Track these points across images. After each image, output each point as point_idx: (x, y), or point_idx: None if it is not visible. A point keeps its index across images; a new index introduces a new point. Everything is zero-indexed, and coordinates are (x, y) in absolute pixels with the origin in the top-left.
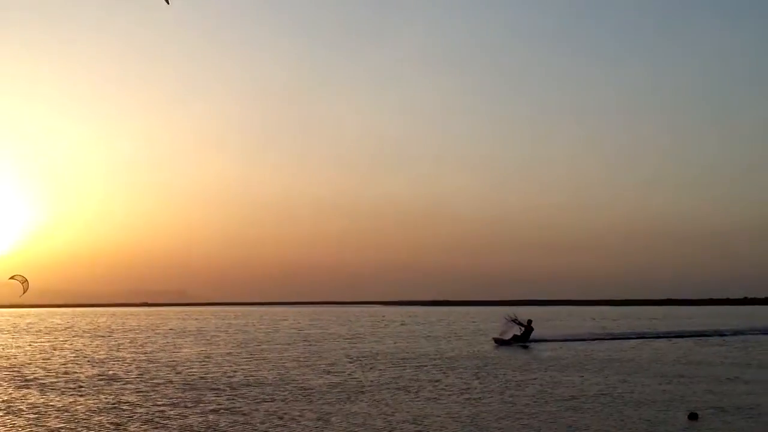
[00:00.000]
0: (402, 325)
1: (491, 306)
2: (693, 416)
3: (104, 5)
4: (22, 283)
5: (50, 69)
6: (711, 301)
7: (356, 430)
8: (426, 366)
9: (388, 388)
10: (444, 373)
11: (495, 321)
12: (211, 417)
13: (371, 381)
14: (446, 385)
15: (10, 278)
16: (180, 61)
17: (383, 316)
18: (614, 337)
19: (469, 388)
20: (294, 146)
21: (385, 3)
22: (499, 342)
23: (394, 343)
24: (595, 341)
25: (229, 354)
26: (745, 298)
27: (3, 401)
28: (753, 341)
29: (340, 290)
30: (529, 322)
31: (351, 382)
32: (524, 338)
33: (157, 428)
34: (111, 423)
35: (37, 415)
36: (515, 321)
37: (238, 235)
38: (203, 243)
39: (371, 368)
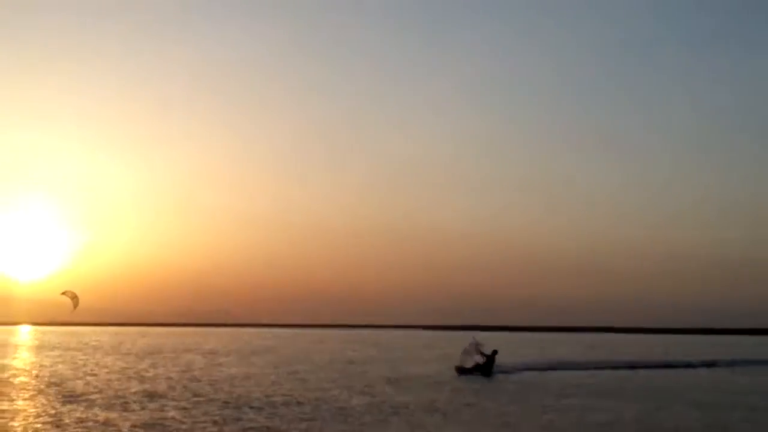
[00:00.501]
0: (438, 349)
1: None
2: None
3: (134, 39)
4: (72, 299)
5: (92, 107)
6: (715, 331)
7: None
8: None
9: (423, 410)
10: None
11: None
12: None
13: (406, 402)
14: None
15: (62, 294)
16: (223, 88)
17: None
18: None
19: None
20: (332, 172)
21: (424, 37)
22: (460, 371)
23: (425, 365)
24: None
25: (268, 374)
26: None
27: (50, 415)
28: (719, 372)
29: (378, 313)
30: (494, 352)
31: (386, 403)
32: (487, 368)
33: None
34: None
35: (83, 429)
36: (478, 350)
37: (281, 257)
38: (246, 265)
39: (406, 390)
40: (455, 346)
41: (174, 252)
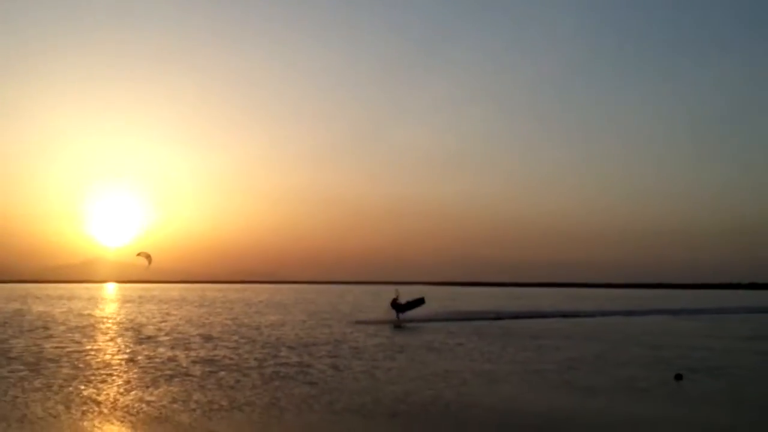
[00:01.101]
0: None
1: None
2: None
3: (194, 50)
4: (147, 258)
5: (165, 108)
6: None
7: (395, 379)
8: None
9: (423, 349)
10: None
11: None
12: (283, 368)
13: (410, 342)
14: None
15: (138, 255)
16: (271, 91)
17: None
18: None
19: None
20: (356, 157)
21: (435, 41)
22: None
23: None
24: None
25: (302, 321)
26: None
27: (126, 353)
28: (587, 322)
29: (400, 271)
30: (420, 300)
31: (394, 343)
32: (407, 307)
33: (242, 374)
34: (207, 370)
35: (151, 364)
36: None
37: (320, 227)
38: (288, 232)
39: (411, 332)
40: (461, 298)
41: (228, 223)
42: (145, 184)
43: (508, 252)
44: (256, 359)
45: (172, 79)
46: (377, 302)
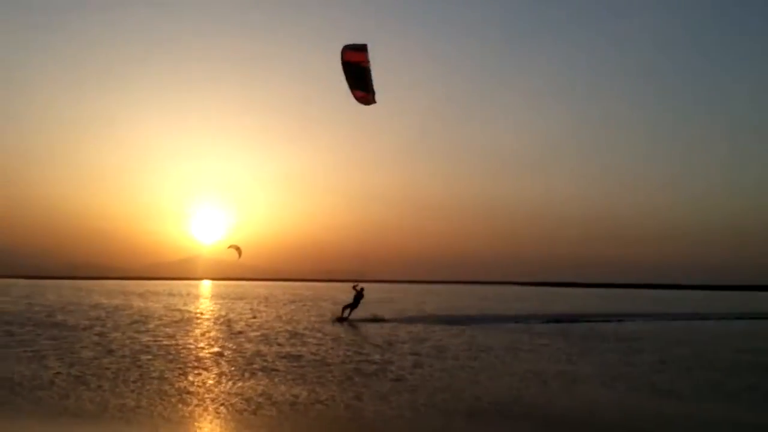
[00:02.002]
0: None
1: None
2: None
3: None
4: (237, 250)
5: (249, 113)
6: None
7: (476, 378)
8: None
9: (507, 349)
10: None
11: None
12: (366, 365)
13: (493, 342)
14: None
15: (228, 247)
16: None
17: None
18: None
19: None
20: (447, 157)
21: (522, 36)
22: (341, 317)
23: (516, 312)
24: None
25: (385, 319)
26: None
27: (217, 346)
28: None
29: (483, 271)
30: (361, 289)
31: (480, 343)
32: (353, 305)
33: (326, 370)
34: (291, 365)
35: (240, 356)
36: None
37: (402, 226)
38: (374, 232)
39: (496, 332)
40: (544, 298)
41: (315, 222)
42: (237, 184)
43: (600, 251)
44: (339, 355)
45: (256, 85)
46: (459, 302)
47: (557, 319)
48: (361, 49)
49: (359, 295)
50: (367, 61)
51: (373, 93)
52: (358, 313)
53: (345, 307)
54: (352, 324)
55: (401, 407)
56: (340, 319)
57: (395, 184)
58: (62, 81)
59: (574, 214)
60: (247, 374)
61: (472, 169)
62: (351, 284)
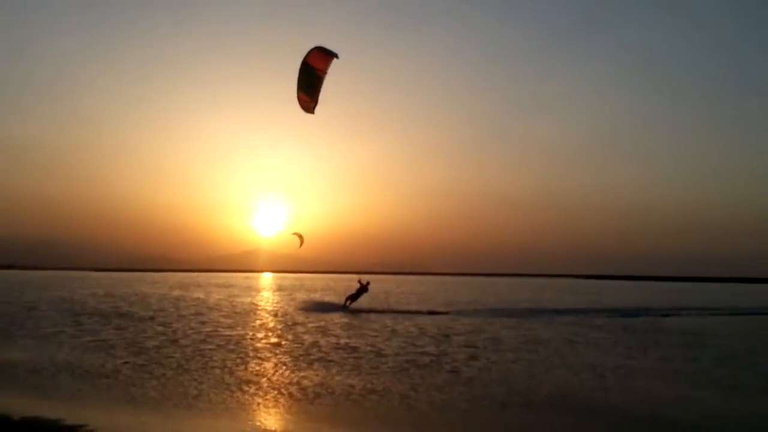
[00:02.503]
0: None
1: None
2: None
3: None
4: (299, 237)
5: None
6: None
7: (532, 371)
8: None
9: (565, 342)
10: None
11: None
12: (421, 356)
13: (552, 335)
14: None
15: (292, 234)
16: (417, 93)
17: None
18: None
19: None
20: (506, 150)
21: (584, 25)
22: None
23: (574, 305)
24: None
25: (441, 311)
26: None
27: (274, 336)
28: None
29: (541, 264)
30: (367, 283)
31: (534, 335)
32: (354, 297)
33: (381, 361)
34: (347, 356)
35: (297, 346)
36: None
37: (461, 220)
38: (432, 226)
39: (554, 325)
40: (605, 292)
41: (373, 215)
42: (297, 178)
43: (668, 244)
44: (395, 347)
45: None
46: (515, 294)
47: (616, 312)
48: (328, 56)
49: (363, 288)
50: (325, 72)
51: (315, 103)
52: (413, 305)
53: (348, 297)
54: (403, 316)
55: (456, 399)
56: (342, 307)
57: (453, 178)
58: (133, 81)
59: (636, 205)
60: (303, 364)
61: (535, 162)
62: (358, 277)
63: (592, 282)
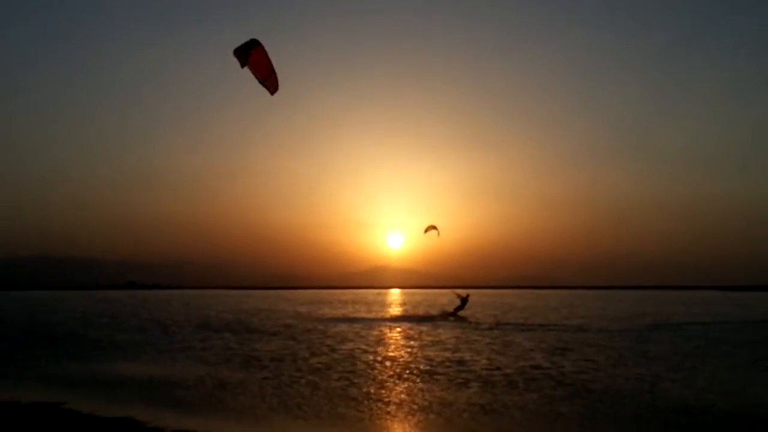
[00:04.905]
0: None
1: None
2: None
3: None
4: (435, 229)
5: (426, 120)
6: None
7: (640, 384)
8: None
9: (678, 355)
10: None
11: None
12: (537, 371)
13: (660, 349)
14: None
15: (427, 229)
16: (540, 103)
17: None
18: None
19: None
20: (635, 158)
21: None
22: (450, 314)
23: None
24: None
25: (559, 326)
26: None
27: (404, 355)
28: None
29: (673, 275)
30: (467, 295)
31: (643, 348)
32: (458, 309)
33: (505, 380)
34: (456, 369)
35: (413, 362)
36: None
37: (591, 230)
38: (561, 237)
39: (666, 342)
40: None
41: (497, 228)
42: (418, 191)
43: None
44: (509, 363)
45: (439, 95)
46: (636, 308)
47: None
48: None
49: (465, 300)
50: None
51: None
52: (535, 319)
53: (455, 309)
54: (520, 330)
55: (571, 414)
56: (450, 314)
57: (583, 187)
58: (256, 100)
59: None
60: (453, 384)
61: (667, 170)
62: (456, 291)
63: (731, 294)
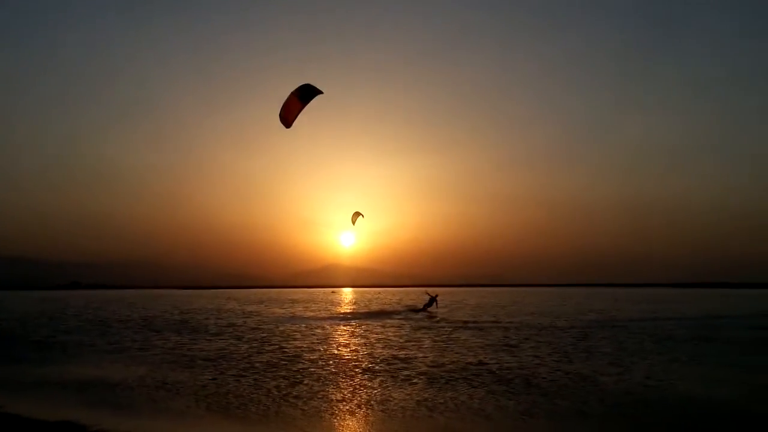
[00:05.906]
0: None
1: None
2: None
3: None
4: (361, 215)
5: (389, 122)
6: None
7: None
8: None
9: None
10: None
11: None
12: (507, 372)
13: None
14: None
15: (353, 216)
16: (501, 105)
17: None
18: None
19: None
20: (589, 157)
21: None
22: (419, 310)
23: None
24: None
25: (510, 323)
26: None
27: (361, 353)
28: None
29: (629, 272)
30: (436, 295)
31: (595, 341)
32: (428, 305)
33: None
34: (432, 371)
35: (379, 362)
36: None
37: (541, 229)
38: (512, 236)
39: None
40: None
41: (450, 227)
42: (372, 191)
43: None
44: (485, 361)
45: (395, 95)
46: (586, 305)
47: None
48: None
49: (432, 300)
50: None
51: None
52: (483, 317)
53: (425, 305)
54: (467, 328)
55: (540, 415)
56: (416, 311)
57: (537, 186)
58: (204, 99)
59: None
60: (397, 381)
61: (623, 168)
62: (427, 290)
63: (685, 290)
